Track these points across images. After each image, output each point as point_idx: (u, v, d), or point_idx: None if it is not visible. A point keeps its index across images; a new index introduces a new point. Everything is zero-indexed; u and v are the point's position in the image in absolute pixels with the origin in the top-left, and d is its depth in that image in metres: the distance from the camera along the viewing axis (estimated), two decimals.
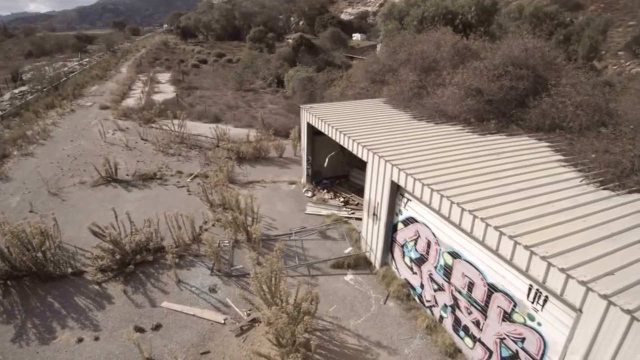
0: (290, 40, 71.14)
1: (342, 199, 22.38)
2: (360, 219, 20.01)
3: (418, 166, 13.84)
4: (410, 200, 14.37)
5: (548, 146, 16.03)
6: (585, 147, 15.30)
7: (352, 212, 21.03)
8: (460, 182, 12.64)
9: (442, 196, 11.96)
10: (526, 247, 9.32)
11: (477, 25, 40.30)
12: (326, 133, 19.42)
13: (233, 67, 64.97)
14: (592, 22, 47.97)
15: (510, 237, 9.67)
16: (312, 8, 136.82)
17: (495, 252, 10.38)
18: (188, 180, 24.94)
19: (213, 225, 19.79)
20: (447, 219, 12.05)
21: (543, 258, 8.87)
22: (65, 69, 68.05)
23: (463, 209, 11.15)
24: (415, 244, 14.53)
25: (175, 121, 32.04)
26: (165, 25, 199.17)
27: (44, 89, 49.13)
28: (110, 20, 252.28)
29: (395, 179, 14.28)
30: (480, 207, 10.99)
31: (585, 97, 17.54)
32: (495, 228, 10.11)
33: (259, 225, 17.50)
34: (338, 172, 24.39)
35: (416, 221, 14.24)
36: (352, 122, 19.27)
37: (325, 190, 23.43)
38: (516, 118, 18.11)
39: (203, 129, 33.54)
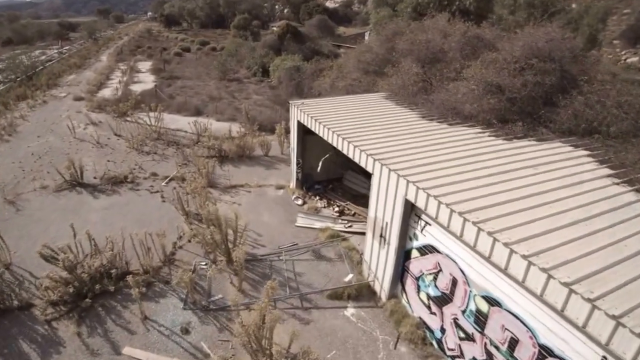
0: (275, 28, 67.55)
1: (336, 208, 19.17)
2: (359, 234, 16.95)
3: (440, 184, 10.73)
4: (430, 225, 11.28)
5: (589, 155, 13.01)
6: (636, 158, 12.32)
7: (349, 224, 17.88)
8: (500, 208, 9.58)
9: (479, 229, 8.91)
10: (613, 317, 6.47)
11: (475, 13, 37.16)
12: (322, 136, 16.16)
13: (217, 55, 61.02)
14: (591, 10, 44.95)
15: (588, 300, 6.77)
16: None
17: (560, 313, 7.41)
18: (163, 184, 21.59)
19: (189, 241, 16.51)
20: (487, 258, 8.97)
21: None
22: (43, 57, 63.70)
23: (512, 251, 8.17)
24: (435, 278, 11.47)
25: (152, 114, 28.63)
26: (150, 13, 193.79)
27: (17, 79, 45.14)
28: (95, 8, 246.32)
29: (410, 198, 11.16)
30: (536, 251, 8.06)
31: (628, 97, 14.50)
32: (565, 284, 7.16)
33: (243, 249, 14.19)
34: (331, 175, 21.16)
35: (437, 251, 11.16)
36: (352, 122, 16.03)
37: (317, 197, 20.22)
38: (545, 119, 15.02)
39: (182, 123, 30.08)
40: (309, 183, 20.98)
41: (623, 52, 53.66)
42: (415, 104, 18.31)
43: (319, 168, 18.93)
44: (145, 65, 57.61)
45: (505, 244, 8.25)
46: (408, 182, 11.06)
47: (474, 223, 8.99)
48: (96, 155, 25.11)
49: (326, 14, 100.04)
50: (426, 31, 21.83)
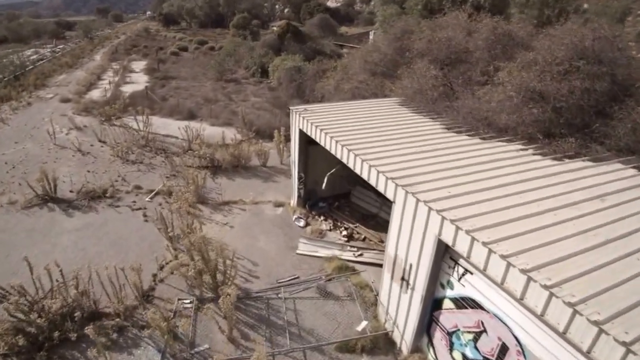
0: (275, 28, 64.94)
1: (344, 232, 16.58)
2: (372, 265, 14.44)
3: (487, 224, 8.17)
4: (472, 274, 8.74)
5: None
6: None
7: (359, 252, 15.30)
8: (576, 262, 7.08)
9: (551, 295, 6.39)
10: None
11: (491, 10, 34.60)
12: (329, 149, 13.62)
13: (215, 55, 58.40)
14: (609, 9, 42.49)
15: None
16: None
17: None
18: (147, 199, 19.01)
19: (172, 273, 13.91)
20: (562, 335, 6.47)
21: None
22: (35, 56, 61.19)
23: (603, 331, 5.68)
24: (476, 339, 8.92)
25: (141, 118, 26.11)
26: (149, 12, 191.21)
27: (4, 79, 42.50)
28: (94, 8, 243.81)
29: (446, 239, 8.62)
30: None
31: None
32: None
33: (233, 292, 11.58)
34: (337, 190, 18.56)
35: (481, 308, 8.62)
36: (364, 133, 13.47)
37: (321, 218, 17.61)
38: (598, 134, 12.45)
39: (174, 128, 27.47)
40: (312, 200, 18.41)
41: None
42: (437, 112, 15.73)
43: (323, 185, 16.38)
44: (139, 64, 54.97)
45: (596, 323, 5.77)
46: (443, 218, 8.52)
47: (546, 287, 6.46)
48: (76, 164, 22.54)
49: (328, 13, 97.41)
50: (445, 28, 19.17)
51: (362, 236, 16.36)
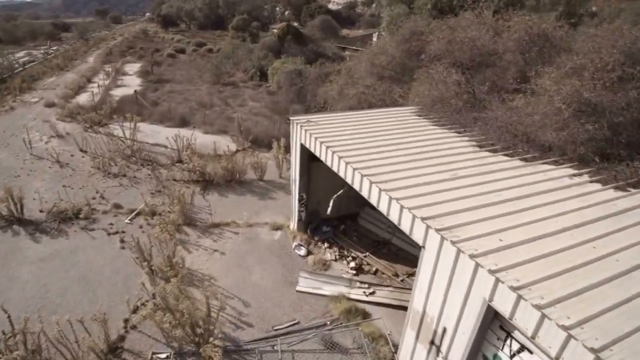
0: (275, 30, 62.58)
1: (352, 263, 14.24)
2: (386, 306, 12.12)
3: (565, 294, 5.93)
4: (531, 354, 6.42)
5: None
6: None
7: (371, 289, 12.95)
8: None
9: None
10: None
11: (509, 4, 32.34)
12: (337, 171, 11.29)
13: (212, 57, 56.03)
14: (624, 13, 40.17)
15: None
16: None
17: None
18: (126, 221, 16.67)
19: (144, 318, 11.50)
20: None
21: None
22: (26, 58, 58.91)
23: None
24: None
25: (130, 124, 23.90)
26: (148, 14, 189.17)
27: None
28: (94, 9, 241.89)
29: (500, 306, 6.33)
30: None
31: None
32: None
33: (218, 344, 9.22)
34: (343, 211, 16.11)
35: None
36: (378, 152, 11.16)
37: (325, 245, 15.26)
38: None
39: (163, 136, 25.12)
40: (315, 222, 16.06)
41: None
42: (462, 124, 13.41)
43: (329, 209, 14.09)
44: (133, 67, 52.55)
45: None
46: (498, 281, 6.21)
47: None
48: (51, 178, 20.23)
49: (329, 15, 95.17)
50: (467, 28, 16.86)
51: (374, 268, 14.01)
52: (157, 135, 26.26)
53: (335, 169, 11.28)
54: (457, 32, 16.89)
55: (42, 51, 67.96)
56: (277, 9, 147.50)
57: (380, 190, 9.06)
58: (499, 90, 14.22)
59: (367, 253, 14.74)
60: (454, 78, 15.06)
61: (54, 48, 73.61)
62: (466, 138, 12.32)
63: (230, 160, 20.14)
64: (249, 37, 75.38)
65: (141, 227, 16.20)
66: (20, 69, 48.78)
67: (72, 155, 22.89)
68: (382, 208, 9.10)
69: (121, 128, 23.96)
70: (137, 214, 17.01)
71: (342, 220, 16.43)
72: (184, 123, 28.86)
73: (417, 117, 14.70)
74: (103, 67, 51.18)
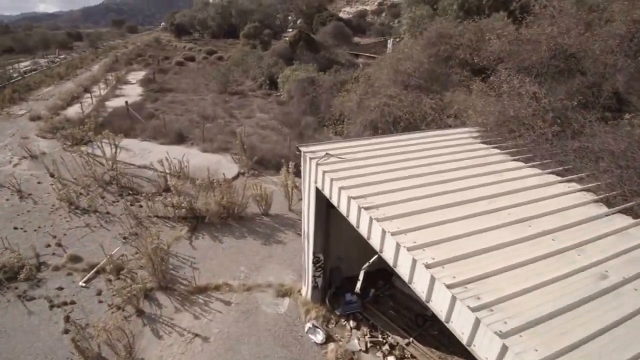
0: (287, 38, 57.81)
1: (390, 357, 9.38)
2: None
3: None
4: None
5: None
6: None
7: None
8: None
9: None
10: None
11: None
12: (369, 238, 6.47)
13: (221, 65, 51.36)
14: None
15: None
16: (310, 6, 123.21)
17: None
18: (81, 283, 11.91)
19: None
20: None
21: None
22: (30, 67, 54.69)
23: None
24: None
25: (118, 141, 19.40)
26: (163, 24, 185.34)
27: None
28: (111, 20, 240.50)
29: None
30: None
31: None
32: None
33: None
34: (372, 265, 11.22)
35: None
36: (433, 206, 6.40)
37: (351, 324, 10.38)
38: None
39: (155, 156, 20.41)
40: (334, 284, 11.25)
41: None
42: (555, 158, 8.52)
43: (357, 286, 9.30)
44: (138, 75, 48.06)
45: None
46: None
47: None
48: (4, 215, 15.53)
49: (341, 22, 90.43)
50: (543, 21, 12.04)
51: None
52: (147, 154, 21.58)
53: (364, 233, 6.51)
54: (530, 28, 11.96)
55: (48, 60, 63.62)
56: (290, 17, 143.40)
57: (453, 296, 4.30)
58: (596, 107, 9.42)
59: (411, 339, 9.86)
60: (529, 89, 10.24)
61: (62, 56, 69.43)
62: (574, 184, 7.42)
63: (226, 193, 15.28)
64: (260, 45, 70.75)
65: (100, 293, 11.45)
66: (19, 78, 44.45)
67: (39, 183, 18.23)
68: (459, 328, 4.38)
69: (100, 148, 19.38)
70: (97, 273, 12.23)
71: (372, 279, 11.48)
72: (180, 139, 24.17)
73: (478, 143, 9.78)
74: (105, 75, 46.55)
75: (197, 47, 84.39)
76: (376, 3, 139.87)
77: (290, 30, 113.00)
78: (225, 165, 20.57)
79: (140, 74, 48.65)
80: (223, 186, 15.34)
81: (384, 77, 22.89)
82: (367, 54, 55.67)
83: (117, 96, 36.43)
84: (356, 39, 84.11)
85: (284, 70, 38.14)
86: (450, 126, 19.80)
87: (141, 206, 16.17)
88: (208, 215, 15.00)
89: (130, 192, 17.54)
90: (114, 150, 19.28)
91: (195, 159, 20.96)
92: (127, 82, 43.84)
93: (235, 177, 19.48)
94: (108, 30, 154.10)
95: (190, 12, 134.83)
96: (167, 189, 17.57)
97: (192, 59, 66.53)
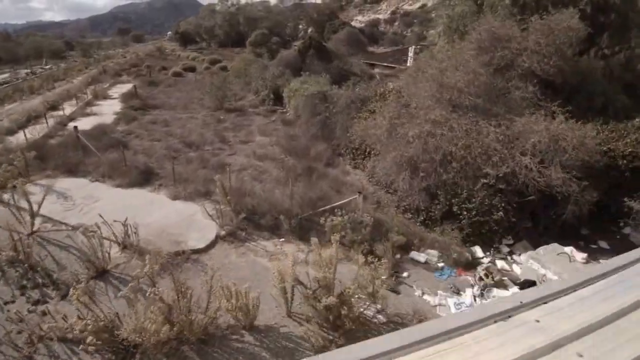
0: (296, 46, 51.61)
1: None
2: None
3: None
4: None
5: None
6: None
7: None
8: None
9: None
10: None
11: (615, 9, 20.88)
12: None
13: (219, 76, 45.15)
14: None
15: None
16: (321, 14, 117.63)
17: None
18: None
19: None
20: None
21: None
22: (6, 79, 48.92)
23: None
24: None
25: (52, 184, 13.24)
26: (169, 33, 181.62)
27: None
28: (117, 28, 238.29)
29: None
30: None
31: None
32: None
33: None
34: None
35: None
36: None
37: None
38: None
39: (103, 208, 14.16)
40: None
41: None
42: None
43: None
44: (122, 89, 41.90)
45: None
46: None
47: None
48: None
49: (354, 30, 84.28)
50: None
51: None
52: (91, 205, 15.25)
53: None
54: None
55: (31, 71, 57.80)
56: (300, 26, 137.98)
57: None
58: None
59: None
60: None
61: (47, 67, 63.70)
62: None
63: (171, 309, 8.75)
64: (267, 54, 64.54)
65: None
66: None
67: None
68: None
69: (12, 198, 13.10)
70: None
71: None
72: (145, 178, 17.84)
73: None
74: (85, 89, 40.30)
75: (201, 57, 78.57)
76: (389, 12, 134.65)
77: (301, 40, 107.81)
78: (199, 224, 14.19)
79: (127, 87, 42.44)
80: (163, 304, 8.76)
81: (423, 94, 16.46)
82: (384, 64, 49.37)
83: (88, 115, 30.22)
84: (370, 49, 78.27)
85: (291, 83, 31.74)
86: (529, 168, 13.45)
87: (45, 313, 9.76)
88: (148, 342, 8.47)
89: (42, 279, 11.13)
90: (32, 208, 12.96)
91: (159, 212, 14.68)
92: (107, 97, 37.63)
93: (211, 245, 13.11)
94: (111, 39, 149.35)
95: (195, 19, 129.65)
96: (105, 270, 11.25)
97: (192, 69, 60.60)
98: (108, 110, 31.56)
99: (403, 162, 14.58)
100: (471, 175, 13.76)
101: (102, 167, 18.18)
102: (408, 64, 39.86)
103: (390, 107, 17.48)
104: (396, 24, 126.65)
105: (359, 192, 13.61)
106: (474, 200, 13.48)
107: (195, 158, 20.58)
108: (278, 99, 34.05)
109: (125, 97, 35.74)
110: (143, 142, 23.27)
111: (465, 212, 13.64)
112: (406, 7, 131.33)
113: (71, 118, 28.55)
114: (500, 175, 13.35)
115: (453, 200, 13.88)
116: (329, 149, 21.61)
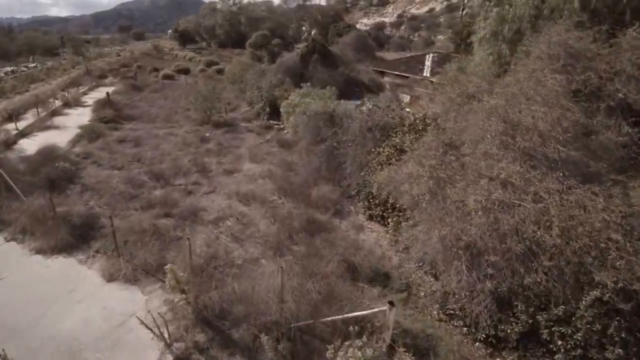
0: (299, 49, 46.23)
1: None
2: None
3: None
4: None
5: None
6: None
7: None
8: None
9: None
10: None
11: None
12: None
13: (216, 83, 39.57)
14: None
15: None
16: (325, 16, 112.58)
17: None
18: None
19: None
20: None
21: None
22: None
23: None
24: None
25: None
26: (170, 31, 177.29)
27: None
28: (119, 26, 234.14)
29: None
30: None
31: None
32: None
33: None
34: None
35: None
36: None
37: None
38: None
39: (9, 295, 8.93)
40: None
41: None
42: None
43: None
44: (102, 93, 36.28)
45: None
46: None
47: None
48: None
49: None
50: None
51: None
52: None
53: None
54: None
55: (7, 70, 52.23)
56: (304, 28, 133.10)
57: None
58: None
59: None
60: None
61: (33, 65, 58.24)
62: None
63: None
64: (268, 56, 59.00)
65: None
66: None
67: None
68: None
69: None
70: None
71: None
72: (80, 238, 12.46)
73: None
74: (59, 94, 34.69)
75: (199, 57, 73.07)
76: (395, 15, 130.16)
77: (304, 42, 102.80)
78: (133, 340, 8.83)
79: (108, 90, 36.92)
80: None
81: (478, 131, 11.03)
82: (396, 72, 43.64)
83: (47, 128, 24.75)
84: (379, 54, 73.06)
85: (290, 95, 26.24)
86: None
87: None
88: None
89: None
90: None
91: (78, 311, 9.35)
92: (80, 105, 32.11)
93: None
94: (111, 36, 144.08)
95: (196, 18, 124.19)
96: None
97: (186, 72, 55.09)
98: (74, 122, 26.10)
99: (458, 247, 9.20)
100: (572, 280, 8.38)
101: (23, 217, 12.79)
102: (425, 74, 34.30)
103: (428, 147, 12.05)
104: (402, 27, 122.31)
105: (390, 303, 8.26)
106: (576, 322, 8.13)
107: (159, 200, 15.20)
108: (275, 112, 28.57)
109: (101, 105, 30.05)
110: (99, 171, 17.96)
111: (560, 340, 8.29)
112: (413, 10, 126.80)
113: (24, 134, 23.04)
114: (619, 286, 7.97)
115: (540, 317, 8.51)
116: (337, 191, 16.23)
